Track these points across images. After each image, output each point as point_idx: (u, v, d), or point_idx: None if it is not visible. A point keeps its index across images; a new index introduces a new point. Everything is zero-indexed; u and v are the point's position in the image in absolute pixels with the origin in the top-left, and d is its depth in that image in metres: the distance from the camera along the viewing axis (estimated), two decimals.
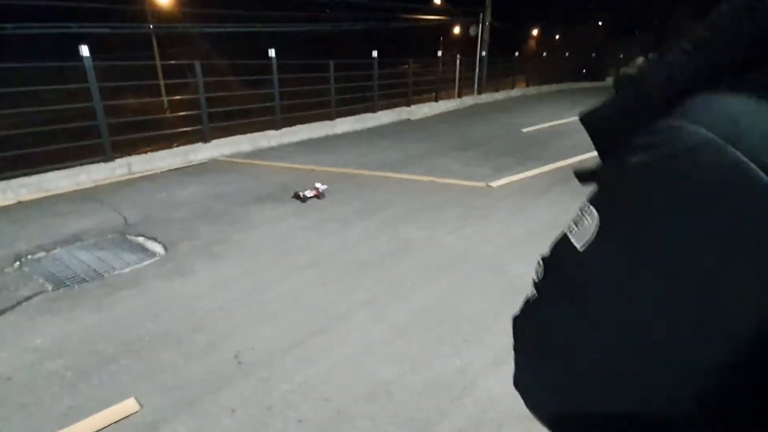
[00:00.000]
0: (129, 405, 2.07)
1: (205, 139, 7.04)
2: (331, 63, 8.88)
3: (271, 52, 7.70)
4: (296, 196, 4.89)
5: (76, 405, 2.08)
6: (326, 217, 4.44)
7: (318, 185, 5.04)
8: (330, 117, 9.14)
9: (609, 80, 22.75)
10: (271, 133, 7.99)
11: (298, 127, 8.50)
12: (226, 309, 2.85)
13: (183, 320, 2.73)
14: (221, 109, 8.15)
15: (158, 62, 13.48)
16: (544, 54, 20.12)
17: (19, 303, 2.91)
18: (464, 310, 2.84)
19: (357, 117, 9.76)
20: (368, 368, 2.32)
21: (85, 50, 5.55)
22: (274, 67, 7.81)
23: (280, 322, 2.71)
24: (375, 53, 9.74)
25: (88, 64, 5.61)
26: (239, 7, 15.29)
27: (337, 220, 4.36)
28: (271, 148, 7.73)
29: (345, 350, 2.46)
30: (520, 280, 3.16)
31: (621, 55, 24.20)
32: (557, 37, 29.64)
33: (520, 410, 1.80)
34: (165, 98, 11.91)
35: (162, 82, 11.50)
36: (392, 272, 3.34)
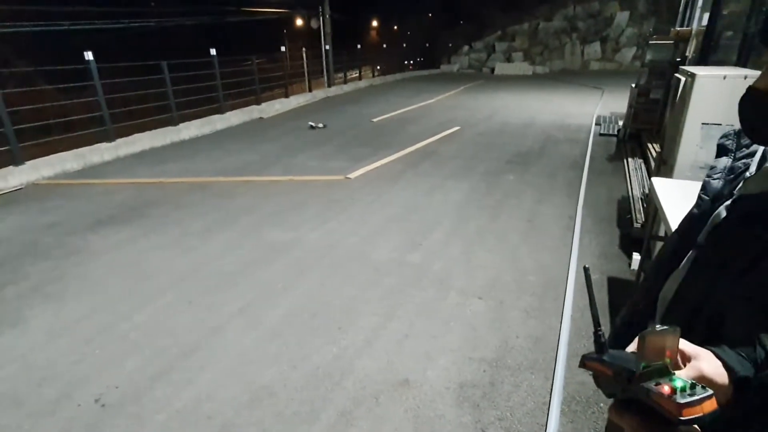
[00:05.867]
0: None
1: (16, 161, 5.95)
2: (164, 63, 8.17)
3: (88, 55, 6.78)
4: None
5: None
6: (184, 231, 4.19)
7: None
8: (173, 122, 8.44)
9: (443, 68, 25.04)
10: (103, 146, 7.08)
11: (137, 136, 7.67)
12: (74, 353, 2.55)
13: (20, 378, 2.38)
14: (33, 124, 6.90)
15: None
16: (384, 45, 21.21)
17: None
18: (334, 301, 3.01)
19: (203, 120, 9.17)
20: (248, 376, 2.34)
21: None
22: (95, 72, 6.90)
23: (144, 353, 2.54)
24: (213, 51, 9.23)
25: None
26: (43, 3, 12.78)
27: (197, 233, 4.14)
28: (106, 163, 6.88)
29: (222, 365, 2.43)
30: (383, 264, 3.44)
31: (450, 45, 26.78)
32: (395, 28, 31.42)
33: (393, 378, 2.06)
34: None
35: None
36: (261, 278, 3.34)
